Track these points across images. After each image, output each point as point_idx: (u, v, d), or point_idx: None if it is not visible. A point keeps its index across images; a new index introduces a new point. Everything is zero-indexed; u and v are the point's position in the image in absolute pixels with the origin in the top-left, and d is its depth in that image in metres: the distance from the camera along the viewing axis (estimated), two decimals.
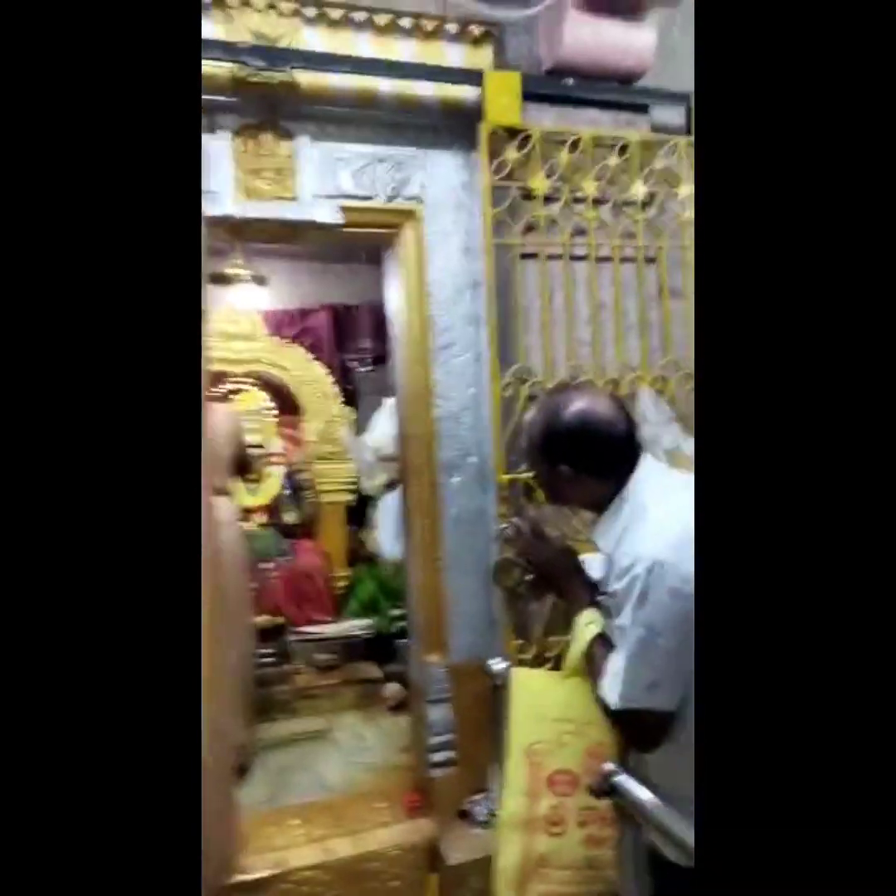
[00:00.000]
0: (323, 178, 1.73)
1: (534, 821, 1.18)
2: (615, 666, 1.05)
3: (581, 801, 1.20)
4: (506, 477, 1.72)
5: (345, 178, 1.74)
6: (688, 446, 1.75)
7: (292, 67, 1.58)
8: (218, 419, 2.52)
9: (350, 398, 3.94)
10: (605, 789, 1.01)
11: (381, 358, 3.78)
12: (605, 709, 1.07)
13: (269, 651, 3.10)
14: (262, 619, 3.10)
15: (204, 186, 1.61)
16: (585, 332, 1.80)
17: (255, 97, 1.62)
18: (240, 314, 3.62)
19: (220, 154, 1.66)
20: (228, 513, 2.41)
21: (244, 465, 2.75)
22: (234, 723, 1.76)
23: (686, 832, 0.95)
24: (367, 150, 1.76)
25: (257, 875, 1.69)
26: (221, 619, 1.61)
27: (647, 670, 1.01)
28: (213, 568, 1.58)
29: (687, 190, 1.84)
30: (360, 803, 2.00)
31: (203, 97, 1.55)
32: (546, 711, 1.22)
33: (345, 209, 1.74)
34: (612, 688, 1.05)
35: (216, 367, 3.31)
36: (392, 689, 2.95)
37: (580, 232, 1.80)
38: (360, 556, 3.74)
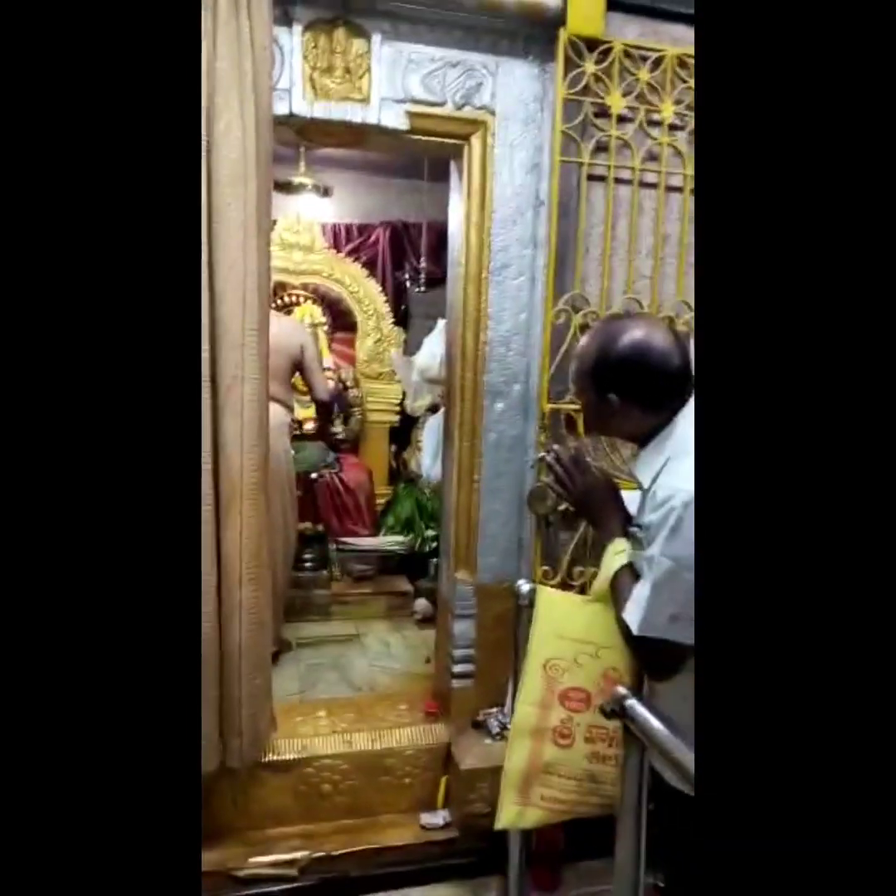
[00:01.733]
0: (392, 81, 1.67)
1: (543, 730, 1.24)
2: (640, 594, 1.07)
3: (590, 718, 1.25)
4: (548, 406, 1.71)
5: (414, 81, 1.68)
6: None
7: None
8: (281, 328, 2.55)
9: (402, 319, 3.92)
10: (616, 710, 1.04)
11: (436, 280, 3.73)
12: (626, 634, 1.10)
13: (310, 556, 3.22)
14: (306, 526, 3.22)
15: (274, 83, 1.58)
16: (646, 264, 1.75)
17: None
18: (301, 225, 3.60)
19: (291, 49, 1.61)
20: (280, 421, 2.46)
21: (307, 383, 2.76)
22: (272, 612, 1.85)
23: (689, 761, 0.98)
24: (440, 54, 1.69)
25: (285, 756, 1.82)
26: (267, 513, 1.68)
27: (671, 602, 1.03)
28: (264, 481, 1.64)
29: None
30: (382, 703, 2.11)
31: None
32: (567, 631, 1.26)
33: (412, 115, 1.69)
34: (634, 614, 1.07)
35: (275, 276, 3.32)
36: (421, 604, 3.06)
37: (652, 158, 1.71)
38: (400, 475, 3.82)
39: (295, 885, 1.69)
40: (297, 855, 1.74)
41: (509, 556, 1.88)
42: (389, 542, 3.43)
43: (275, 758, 1.81)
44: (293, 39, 1.61)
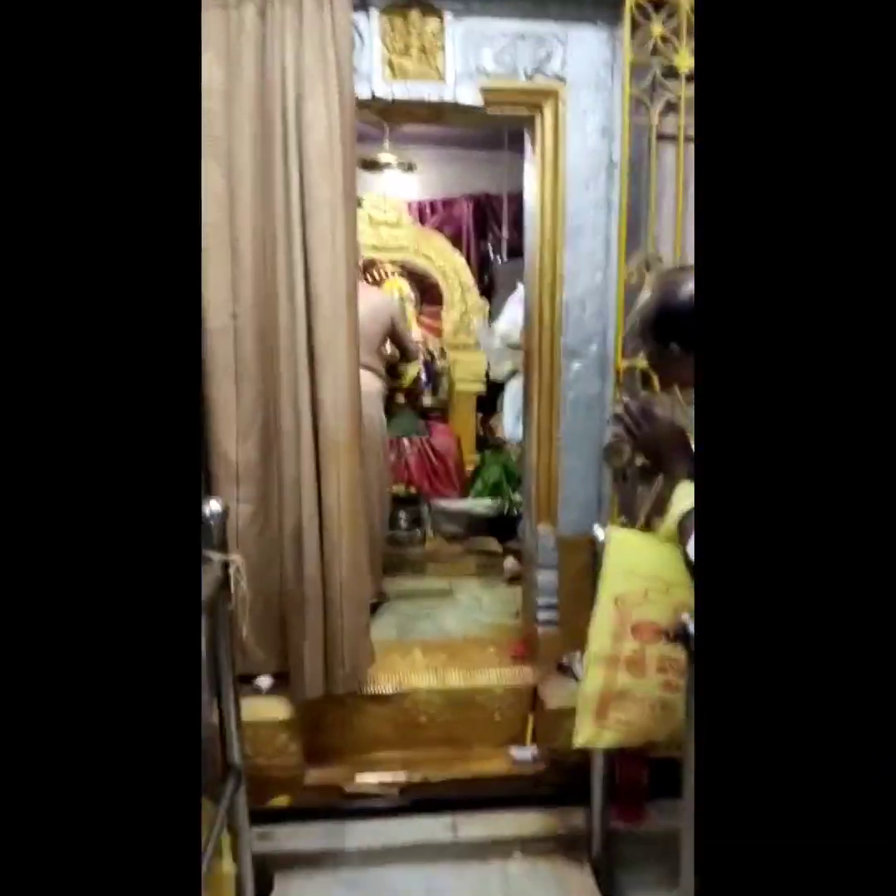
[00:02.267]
0: (466, 57, 1.76)
1: (616, 659, 1.34)
2: None
3: (662, 650, 1.34)
4: (623, 363, 1.78)
5: (487, 56, 1.76)
6: None
7: None
8: (372, 301, 2.72)
9: (487, 290, 4.01)
10: (679, 634, 1.13)
11: (518, 249, 3.79)
12: (689, 566, 1.18)
13: (405, 517, 3.41)
14: (400, 488, 3.41)
15: (355, 67, 1.70)
16: None
17: None
18: (387, 201, 3.74)
19: (369, 33, 1.73)
20: (373, 388, 2.64)
21: (400, 347, 2.97)
22: (370, 562, 2.03)
23: None
24: (510, 27, 1.76)
25: (384, 690, 2.01)
26: (363, 473, 1.86)
27: None
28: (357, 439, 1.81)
29: None
30: (473, 647, 2.27)
31: None
32: (637, 568, 1.35)
33: (485, 89, 1.77)
34: (694, 547, 1.15)
35: (364, 253, 3.49)
36: (510, 562, 3.19)
37: None
38: (488, 442, 3.94)
39: (396, 803, 1.88)
40: (398, 777, 1.93)
41: (588, 510, 1.97)
42: (479, 504, 3.57)
43: (375, 690, 2.00)
44: (371, 24, 1.73)
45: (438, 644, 2.33)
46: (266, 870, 1.65)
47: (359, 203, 3.74)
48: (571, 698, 1.91)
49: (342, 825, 1.81)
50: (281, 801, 1.85)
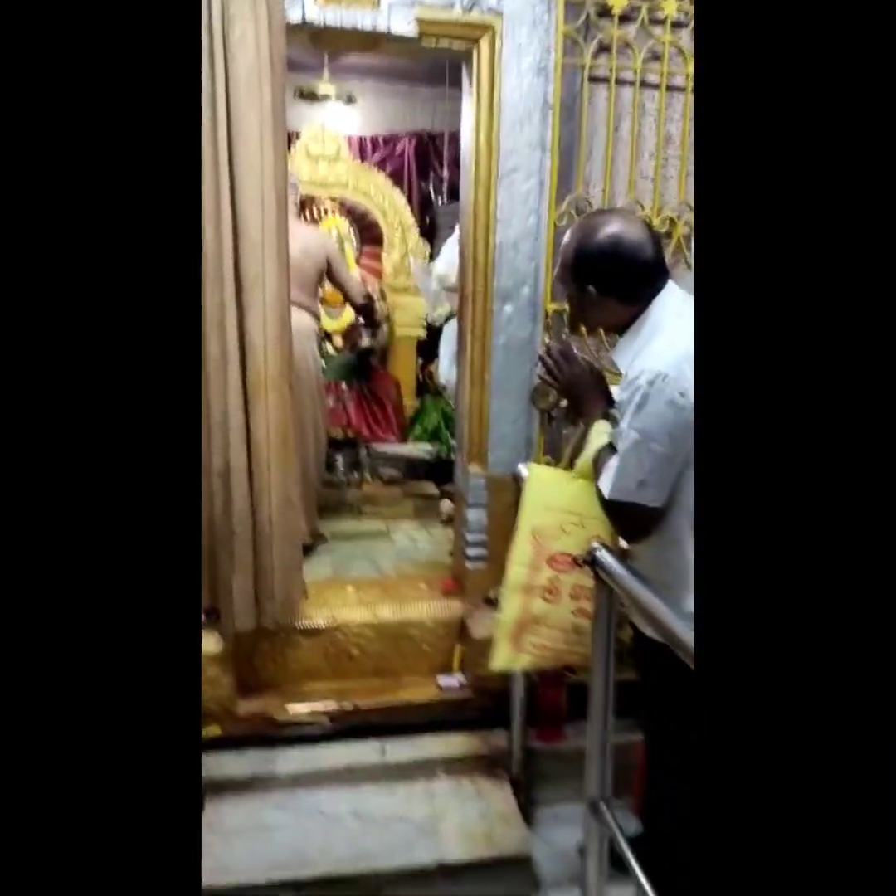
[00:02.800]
0: None
1: (533, 587, 1.42)
2: (612, 464, 1.21)
3: (575, 578, 1.42)
4: (552, 306, 1.81)
5: None
6: None
7: None
8: (306, 237, 2.65)
9: (428, 231, 3.97)
10: (588, 560, 1.20)
11: None
12: (601, 499, 1.24)
13: (343, 460, 3.43)
14: (337, 432, 3.42)
15: None
16: (648, 166, 1.80)
17: None
18: (326, 134, 3.63)
19: None
20: (307, 327, 2.61)
21: (340, 289, 2.89)
22: (302, 497, 2.05)
23: (655, 605, 1.12)
24: None
25: (317, 623, 2.06)
26: (296, 411, 1.86)
27: (639, 469, 1.16)
28: (287, 374, 1.80)
29: None
30: (405, 583, 2.33)
31: None
32: (554, 502, 1.41)
33: (421, 20, 1.73)
34: (606, 481, 1.21)
35: (301, 188, 3.39)
36: (446, 504, 3.25)
37: (654, 58, 1.74)
38: (427, 387, 3.96)
39: (327, 729, 1.95)
40: (329, 705, 2.00)
41: (517, 450, 2.03)
42: (417, 449, 3.61)
43: (308, 624, 2.05)
44: None
45: (372, 581, 2.39)
46: None
47: (296, 137, 3.64)
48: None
49: (273, 752, 1.87)
50: (212, 731, 1.90)
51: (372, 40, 1.80)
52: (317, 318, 2.76)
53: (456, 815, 1.74)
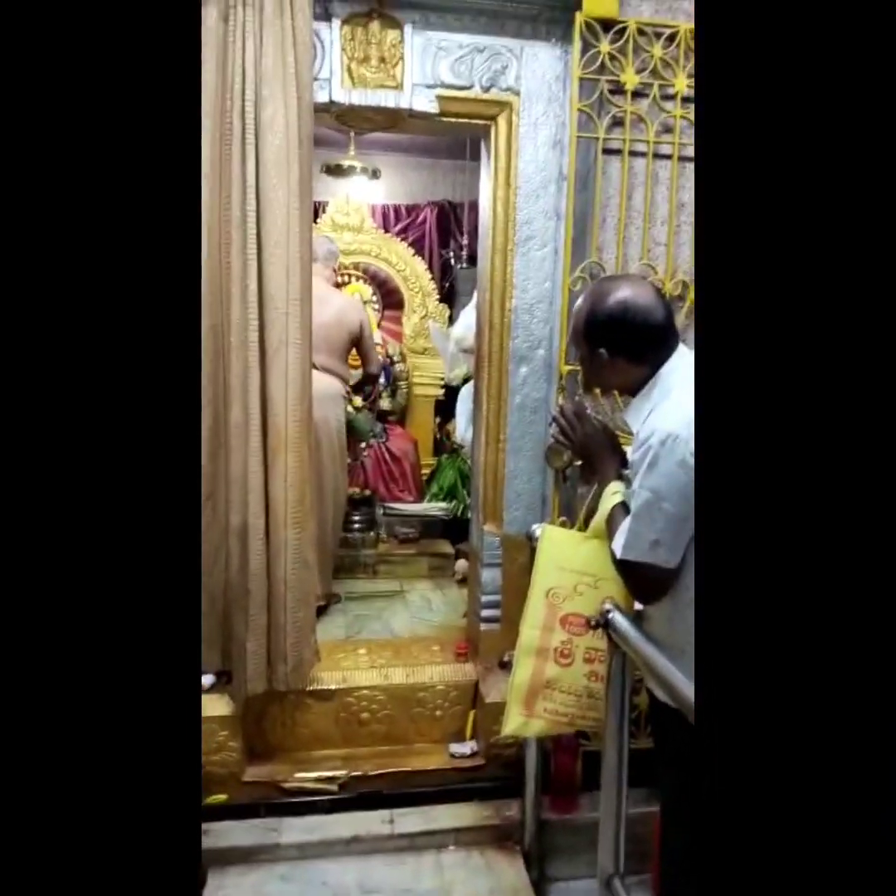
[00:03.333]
0: (424, 68, 1.81)
1: (546, 650, 1.39)
2: (625, 524, 1.20)
3: (589, 641, 1.39)
4: (566, 367, 1.84)
5: (444, 67, 1.82)
6: None
7: None
8: (341, 305, 2.74)
9: (447, 296, 4.07)
10: (600, 622, 1.19)
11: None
12: (614, 559, 1.23)
13: (359, 519, 3.43)
14: (355, 490, 3.43)
15: (315, 74, 1.75)
16: (661, 232, 1.85)
17: None
18: (351, 206, 3.78)
19: (330, 42, 1.77)
20: (335, 391, 2.66)
21: (362, 357, 2.97)
22: (317, 557, 2.05)
23: (669, 671, 1.10)
24: (467, 40, 1.81)
25: (328, 686, 2.03)
26: (316, 472, 1.88)
27: (651, 529, 1.16)
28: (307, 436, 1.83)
29: None
30: (418, 645, 2.30)
31: None
32: (568, 563, 1.40)
33: (442, 99, 1.82)
34: (619, 541, 1.20)
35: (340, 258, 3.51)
36: (461, 564, 3.23)
37: (666, 130, 1.81)
38: (444, 446, 3.99)
39: (335, 797, 1.90)
40: (338, 773, 1.94)
41: (532, 509, 2.02)
42: (433, 507, 3.61)
43: (318, 687, 2.01)
44: (332, 33, 1.77)
45: (385, 643, 2.36)
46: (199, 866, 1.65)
47: (322, 208, 3.80)
48: None
49: (279, 821, 1.82)
50: (218, 798, 1.86)
51: (394, 118, 1.90)
52: (345, 381, 2.82)
53: (465, 889, 1.67)
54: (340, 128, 2.06)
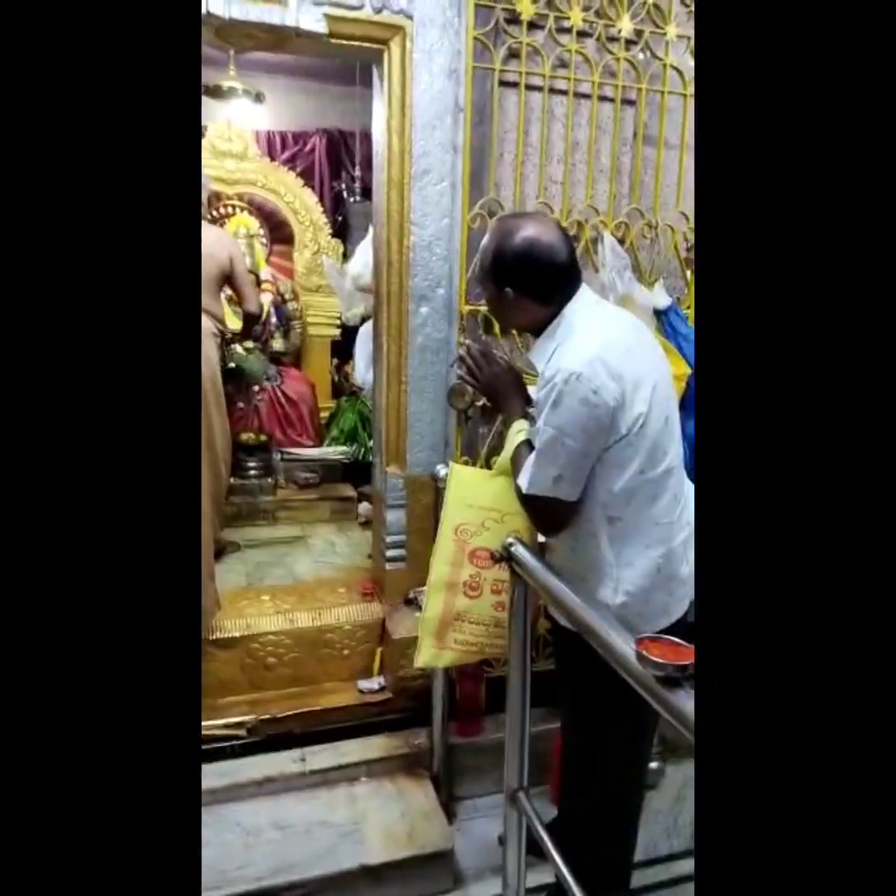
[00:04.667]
0: None
1: (455, 584, 1.43)
2: (529, 460, 1.24)
3: (496, 574, 1.44)
4: (466, 307, 1.84)
5: None
6: (639, 294, 1.86)
7: None
8: (208, 238, 2.56)
9: (340, 230, 3.93)
10: (503, 554, 1.22)
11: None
12: (519, 494, 1.27)
13: (255, 465, 3.34)
14: (248, 436, 3.33)
15: None
16: (557, 170, 1.85)
17: None
18: (233, 131, 3.53)
19: None
20: (207, 330, 2.52)
21: (237, 294, 2.81)
22: (211, 505, 1.99)
23: (565, 594, 1.15)
24: None
25: (232, 634, 2.00)
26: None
27: (553, 464, 1.20)
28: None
29: (674, 31, 1.82)
30: (323, 588, 2.30)
31: None
32: (475, 500, 1.43)
33: (331, 18, 1.71)
34: (524, 477, 1.24)
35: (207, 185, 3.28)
36: (364, 507, 3.23)
37: (562, 65, 1.79)
38: (343, 388, 3.92)
39: (244, 741, 1.90)
40: (246, 718, 1.94)
41: (435, 450, 2.04)
42: (333, 451, 3.57)
43: (221, 635, 1.98)
44: None
45: (288, 588, 2.35)
46: None
47: (202, 132, 3.52)
48: (416, 629, 2.01)
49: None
50: None
51: (280, 38, 1.76)
52: (219, 320, 2.68)
53: (378, 817, 1.73)
54: (220, 45, 1.90)
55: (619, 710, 1.30)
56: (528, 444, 1.29)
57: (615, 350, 1.19)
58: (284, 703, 2.02)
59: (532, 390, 1.41)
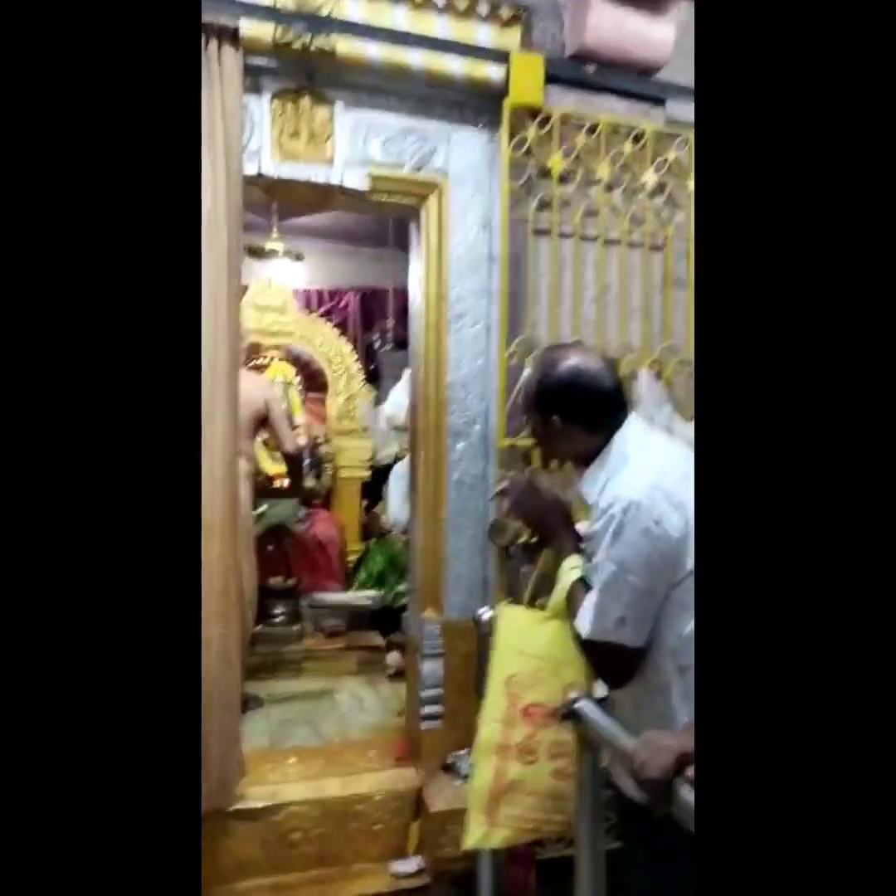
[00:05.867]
0: (354, 145, 1.81)
1: (507, 747, 1.26)
2: (589, 600, 1.12)
3: (553, 735, 1.27)
4: (505, 442, 1.80)
5: (375, 146, 1.83)
6: (679, 428, 1.82)
7: (331, 34, 1.67)
8: (246, 384, 2.62)
9: (372, 377, 4.04)
10: (567, 714, 1.08)
11: (403, 341, 3.88)
12: (579, 640, 1.14)
13: (281, 611, 3.21)
14: (276, 581, 3.22)
15: (244, 145, 1.71)
16: (591, 311, 1.88)
17: (294, 61, 1.71)
18: (273, 288, 3.73)
19: (260, 115, 1.75)
20: (243, 474, 2.51)
21: (275, 437, 2.86)
22: (238, 651, 1.85)
23: None
24: (397, 121, 1.84)
25: (254, 804, 1.79)
26: (234, 553, 1.72)
27: (617, 605, 1.08)
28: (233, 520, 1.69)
29: (694, 184, 1.92)
30: (352, 751, 2.09)
31: (246, 59, 1.65)
32: (527, 647, 1.29)
33: (372, 177, 1.83)
34: (584, 620, 1.12)
35: (248, 337, 3.43)
36: (393, 657, 3.04)
37: (591, 214, 1.87)
38: (372, 531, 3.84)
39: None
40: None
41: (474, 592, 1.92)
42: (361, 596, 3.42)
43: (243, 806, 1.77)
44: (263, 106, 1.75)
45: (315, 750, 2.14)
46: None
47: (244, 289, 3.74)
48: (456, 799, 1.80)
49: None
50: None
51: (324, 194, 1.88)
52: (251, 461, 2.69)
53: None
54: (266, 201, 2.03)
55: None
56: (584, 583, 1.19)
57: (673, 477, 1.11)
58: (308, 888, 1.77)
59: (580, 527, 1.32)
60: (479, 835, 1.26)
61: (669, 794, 0.85)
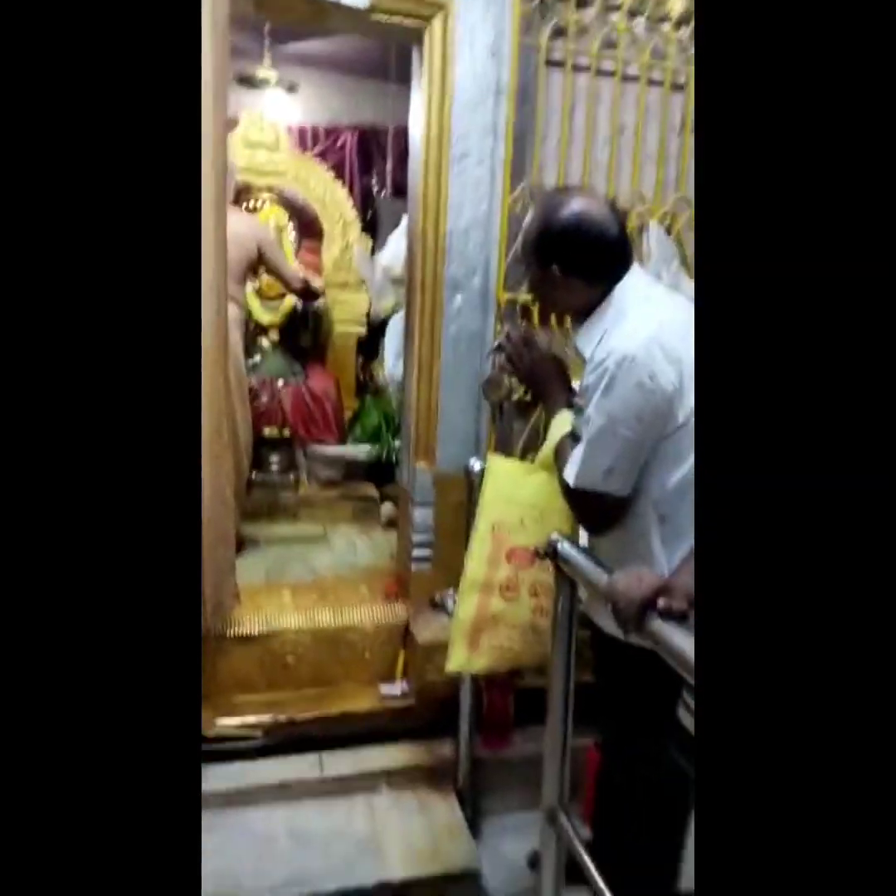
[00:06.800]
0: None
1: (491, 584, 1.34)
2: (577, 451, 1.14)
3: (535, 575, 1.35)
4: (505, 296, 1.75)
5: None
6: (684, 285, 1.77)
7: None
8: (235, 224, 2.50)
9: (370, 226, 3.87)
10: (548, 552, 1.13)
11: (403, 187, 3.67)
12: (565, 489, 1.18)
13: (278, 460, 3.28)
14: (271, 431, 3.27)
15: None
16: (603, 153, 1.77)
17: None
18: (265, 123, 3.48)
19: None
20: (231, 316, 2.46)
21: (277, 277, 2.78)
22: (233, 490, 1.91)
23: None
24: None
25: (250, 631, 1.93)
26: (227, 397, 1.73)
27: (605, 456, 1.11)
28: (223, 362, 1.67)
29: None
30: (345, 587, 2.22)
31: None
32: (514, 495, 1.34)
33: None
34: (571, 469, 1.15)
35: (238, 176, 3.24)
36: (387, 507, 3.15)
37: (610, 45, 1.71)
38: (368, 387, 3.85)
39: (262, 743, 1.82)
40: (263, 718, 1.86)
41: (466, 445, 1.95)
42: (357, 450, 3.49)
43: (240, 631, 1.91)
44: None
45: (309, 585, 2.27)
46: None
47: (234, 122, 3.49)
48: (442, 632, 1.93)
49: (202, 770, 1.73)
50: None
51: (319, 11, 1.70)
52: (241, 306, 2.63)
53: (399, 831, 1.64)
54: (259, 21, 1.85)
55: (669, 724, 1.20)
56: (573, 437, 1.21)
57: (672, 332, 1.10)
58: (302, 704, 1.93)
59: (576, 382, 1.32)
60: (462, 659, 1.37)
61: (642, 621, 0.92)
